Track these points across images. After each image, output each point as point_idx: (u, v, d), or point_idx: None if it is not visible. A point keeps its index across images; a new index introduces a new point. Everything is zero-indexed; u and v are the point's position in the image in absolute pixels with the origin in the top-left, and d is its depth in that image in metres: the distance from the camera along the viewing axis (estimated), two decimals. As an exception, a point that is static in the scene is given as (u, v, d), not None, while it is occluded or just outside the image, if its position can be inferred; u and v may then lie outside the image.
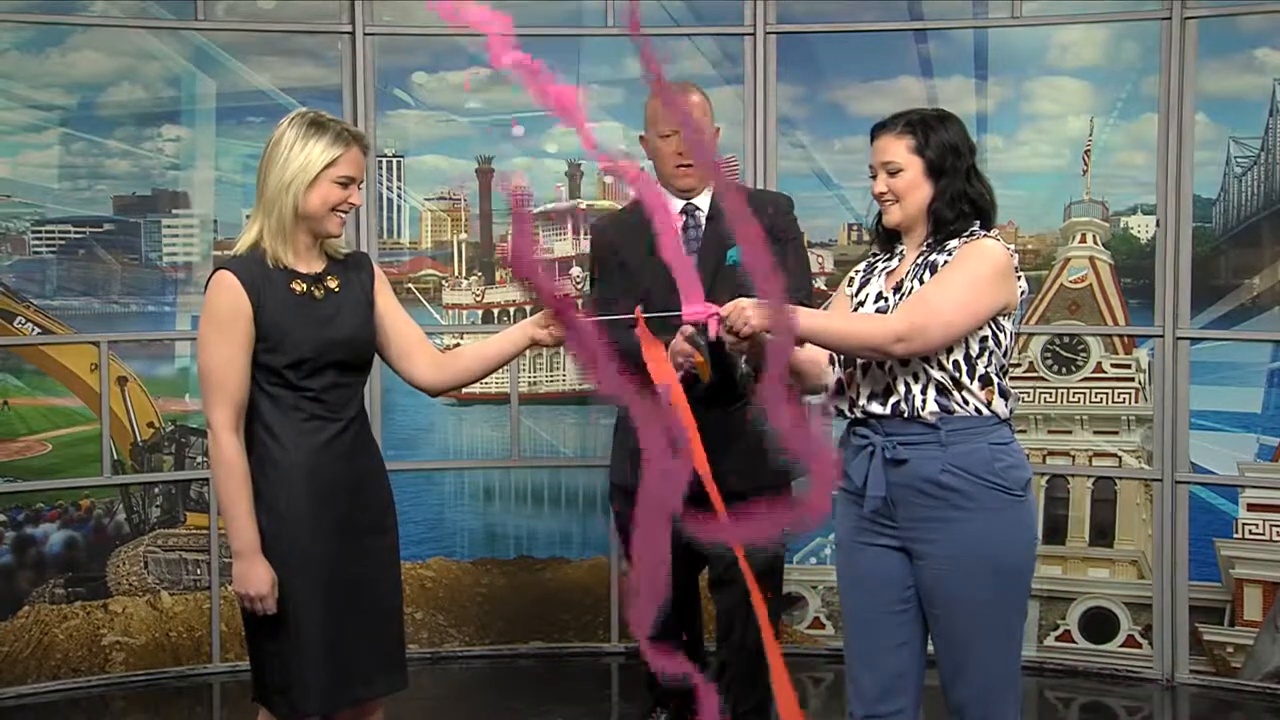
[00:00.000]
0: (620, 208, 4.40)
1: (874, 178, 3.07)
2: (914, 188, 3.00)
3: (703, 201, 3.83)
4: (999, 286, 2.93)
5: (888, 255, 3.11)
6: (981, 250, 2.94)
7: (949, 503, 2.92)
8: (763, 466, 3.68)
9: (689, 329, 3.26)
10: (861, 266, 3.17)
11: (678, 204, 3.82)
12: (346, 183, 2.95)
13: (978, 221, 3.00)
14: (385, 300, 3.09)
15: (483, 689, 5.03)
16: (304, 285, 2.96)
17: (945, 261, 2.96)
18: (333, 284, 3.00)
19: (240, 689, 4.88)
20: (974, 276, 2.91)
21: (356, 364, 3.01)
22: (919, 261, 3.00)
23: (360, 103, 5.10)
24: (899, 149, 3.01)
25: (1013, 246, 3.04)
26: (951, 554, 2.93)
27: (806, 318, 2.99)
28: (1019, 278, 2.99)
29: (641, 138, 3.96)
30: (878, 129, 3.07)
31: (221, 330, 2.89)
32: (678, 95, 3.67)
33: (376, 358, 3.12)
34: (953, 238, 2.99)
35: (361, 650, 2.99)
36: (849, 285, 3.15)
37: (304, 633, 2.92)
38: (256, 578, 2.88)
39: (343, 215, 2.98)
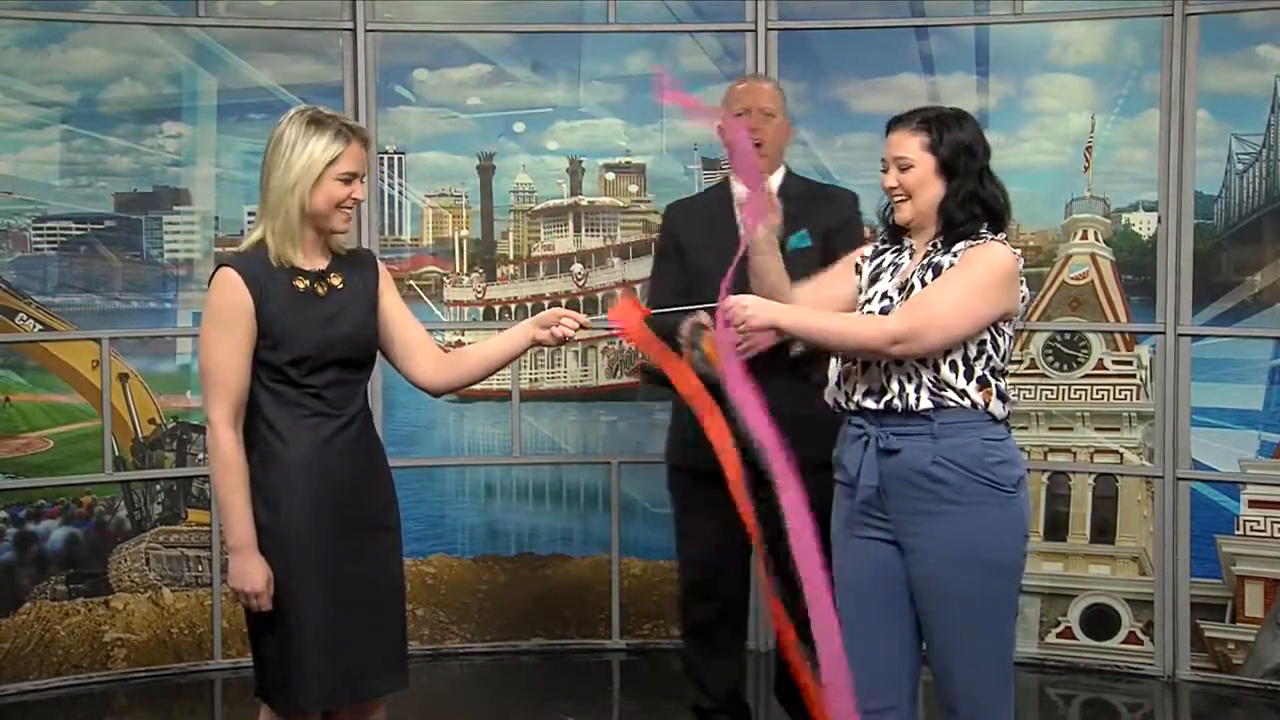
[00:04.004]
0: (696, 193, 4.47)
1: (885, 171, 3.06)
2: (924, 185, 2.99)
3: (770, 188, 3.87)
4: (1002, 293, 2.93)
5: (896, 248, 3.10)
6: (988, 255, 2.93)
7: (939, 496, 2.93)
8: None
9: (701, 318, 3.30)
10: (869, 253, 3.14)
11: (743, 187, 3.81)
12: (349, 179, 2.94)
13: (987, 224, 2.99)
14: (390, 300, 3.08)
15: (484, 686, 5.04)
16: (306, 282, 2.95)
17: (950, 264, 2.95)
18: (336, 281, 2.99)
19: (242, 686, 4.88)
20: (978, 282, 2.91)
21: (359, 361, 3.00)
22: (924, 262, 3.00)
23: (361, 99, 5.10)
24: (912, 145, 3.00)
25: (1019, 251, 3.02)
26: (940, 549, 2.93)
27: (804, 317, 3.02)
28: (1022, 283, 2.98)
29: (719, 127, 3.98)
30: (893, 123, 3.06)
31: (223, 326, 2.89)
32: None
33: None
34: (961, 239, 2.98)
35: (363, 647, 2.98)
36: (858, 268, 3.13)
37: (304, 629, 2.91)
38: (251, 574, 2.88)
39: (348, 211, 2.97)
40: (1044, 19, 5.02)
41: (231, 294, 2.88)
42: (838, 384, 3.07)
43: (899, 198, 3.02)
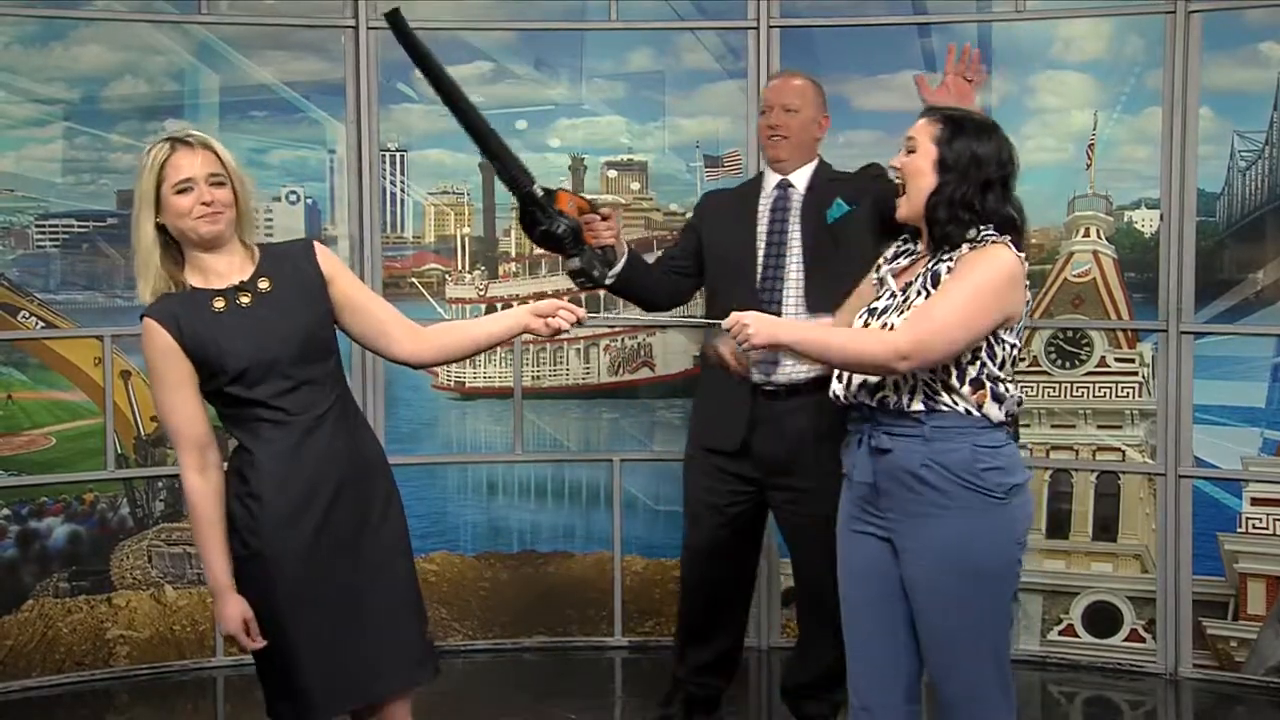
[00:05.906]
0: (733, 187, 4.52)
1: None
2: (920, 174, 2.96)
3: (799, 179, 4.04)
4: (1004, 297, 2.89)
5: (903, 248, 3.09)
6: (990, 258, 2.89)
7: (926, 499, 2.92)
8: None
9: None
10: (890, 254, 3.13)
11: (773, 179, 4.08)
12: (187, 186, 2.85)
13: (985, 228, 2.92)
14: (344, 284, 2.99)
15: (486, 684, 5.04)
16: (225, 300, 2.87)
17: (949, 270, 2.93)
18: (263, 285, 2.90)
19: (244, 683, 4.89)
20: (979, 287, 2.87)
21: (310, 358, 2.90)
22: (924, 270, 2.97)
23: (363, 97, 5.10)
24: (925, 131, 2.98)
25: (1024, 254, 2.95)
26: (926, 551, 2.93)
27: (807, 333, 3.02)
28: (1026, 286, 2.95)
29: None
30: (926, 111, 3.06)
31: (158, 375, 2.86)
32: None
33: (354, 348, 3.08)
34: (954, 243, 2.93)
35: (366, 649, 2.94)
36: (878, 268, 3.14)
37: (295, 646, 2.88)
38: (227, 617, 2.87)
39: (206, 219, 2.86)
40: (1046, 16, 5.02)
41: (155, 342, 2.84)
42: (837, 378, 3.06)
43: (898, 180, 3.02)
